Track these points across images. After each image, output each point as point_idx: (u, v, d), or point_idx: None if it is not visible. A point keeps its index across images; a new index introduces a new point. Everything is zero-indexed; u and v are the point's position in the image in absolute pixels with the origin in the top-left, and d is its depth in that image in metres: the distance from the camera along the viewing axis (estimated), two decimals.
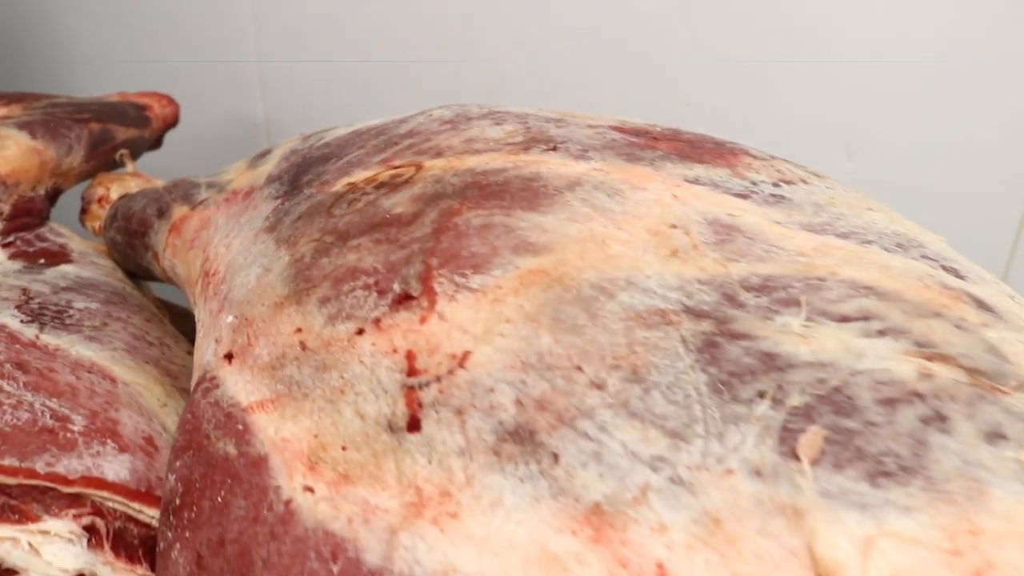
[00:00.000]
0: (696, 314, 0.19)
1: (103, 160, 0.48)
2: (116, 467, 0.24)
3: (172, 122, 0.54)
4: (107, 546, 0.23)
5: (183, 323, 0.40)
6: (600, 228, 0.22)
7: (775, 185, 0.26)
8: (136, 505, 0.24)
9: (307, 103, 0.72)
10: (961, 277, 0.22)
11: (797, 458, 0.17)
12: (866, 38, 0.49)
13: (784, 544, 0.16)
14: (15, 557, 0.21)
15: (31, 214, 0.41)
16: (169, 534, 0.20)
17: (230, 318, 0.25)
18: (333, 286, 0.23)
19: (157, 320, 0.36)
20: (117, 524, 0.23)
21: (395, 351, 0.21)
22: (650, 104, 0.56)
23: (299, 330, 0.23)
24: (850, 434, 0.17)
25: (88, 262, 0.39)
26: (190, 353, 0.36)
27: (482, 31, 0.60)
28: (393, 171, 0.28)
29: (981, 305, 0.20)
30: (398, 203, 0.25)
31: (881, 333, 0.19)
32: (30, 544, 0.22)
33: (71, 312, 0.32)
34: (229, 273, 0.28)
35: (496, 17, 0.59)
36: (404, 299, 0.22)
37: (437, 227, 0.23)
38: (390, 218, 0.25)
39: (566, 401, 0.18)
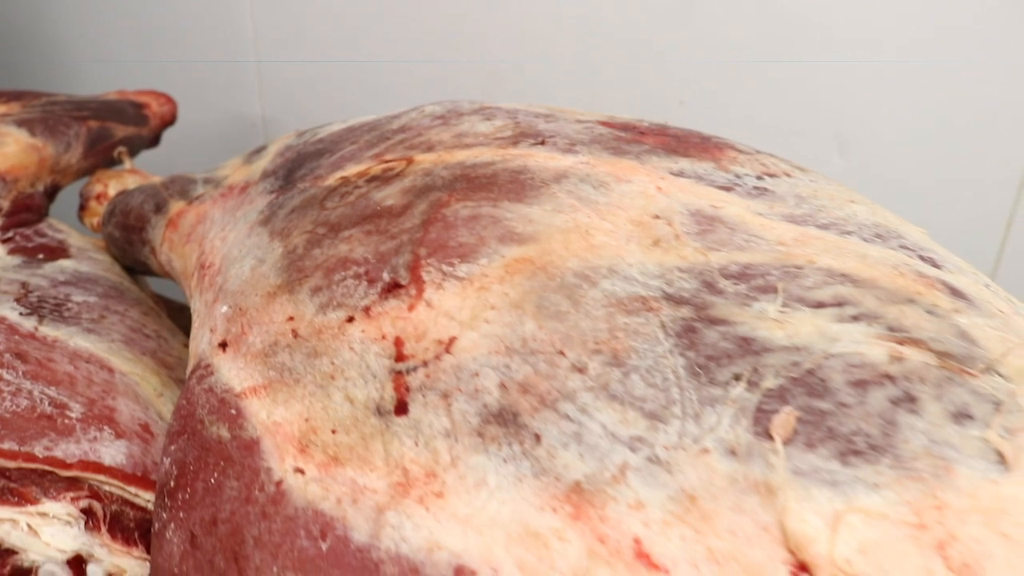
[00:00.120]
0: (676, 301, 0.20)
1: (101, 157, 0.48)
2: (113, 452, 0.24)
3: (170, 120, 0.54)
4: (104, 528, 0.23)
5: (180, 318, 0.41)
6: (584, 219, 0.23)
7: (759, 178, 0.27)
8: (132, 489, 0.24)
9: (304, 102, 0.72)
10: (937, 266, 0.23)
11: (770, 438, 0.17)
12: (857, 37, 0.49)
13: (757, 520, 0.16)
14: (14, 538, 0.22)
15: (30, 210, 0.42)
16: (164, 515, 0.21)
17: (225, 308, 0.26)
18: (325, 276, 0.24)
19: (154, 314, 0.36)
20: (114, 507, 0.24)
21: (384, 338, 0.21)
22: (644, 102, 0.57)
23: (291, 318, 0.23)
24: (822, 415, 0.17)
25: (86, 257, 0.39)
26: (186, 346, 0.36)
27: (478, 31, 0.61)
28: (385, 165, 0.28)
29: (955, 292, 0.21)
30: (389, 195, 0.26)
31: (855, 318, 0.19)
32: (29, 525, 0.22)
33: (69, 305, 0.33)
34: (224, 265, 0.29)
35: (492, 18, 0.60)
36: (393, 288, 0.22)
37: (426, 218, 0.24)
38: (381, 210, 0.25)
39: (548, 384, 0.19)
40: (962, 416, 0.17)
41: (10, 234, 0.39)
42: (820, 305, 0.20)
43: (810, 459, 0.17)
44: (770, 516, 0.16)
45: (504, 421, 0.19)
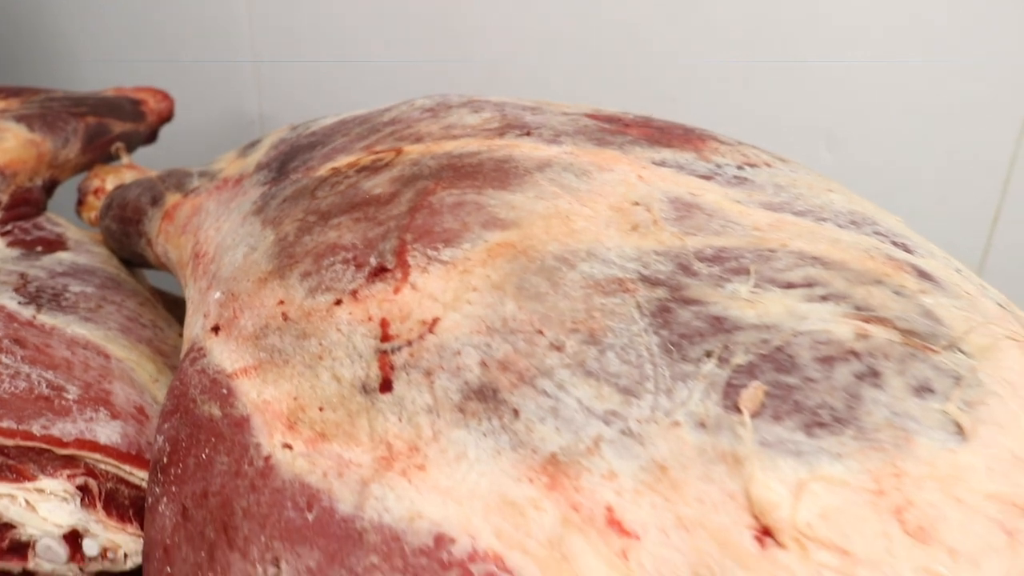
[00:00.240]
0: (652, 282, 0.21)
1: (99, 153, 0.49)
2: (108, 431, 0.25)
3: (167, 117, 0.55)
4: (99, 505, 0.24)
5: (176, 310, 0.41)
6: (565, 205, 0.23)
7: (739, 168, 0.27)
8: (127, 467, 0.25)
9: (301, 101, 0.73)
10: (909, 251, 0.24)
11: (739, 411, 0.18)
12: (846, 36, 0.50)
13: (724, 488, 0.17)
14: (12, 512, 0.23)
15: (29, 204, 0.43)
16: (157, 489, 0.21)
17: (218, 294, 0.27)
18: (314, 261, 0.24)
19: (151, 304, 0.37)
20: (109, 485, 0.24)
21: (370, 319, 0.22)
22: (636, 99, 0.57)
23: (281, 302, 0.24)
24: (789, 389, 0.18)
25: (84, 250, 0.40)
26: (181, 336, 0.37)
27: (473, 31, 0.61)
28: (374, 156, 0.29)
29: (922, 275, 0.22)
30: (377, 184, 0.27)
31: (824, 298, 0.20)
32: (27, 501, 0.23)
33: (67, 295, 0.33)
34: (218, 253, 0.29)
35: (487, 17, 0.61)
36: (380, 271, 0.23)
37: (413, 205, 0.25)
38: (369, 198, 0.26)
39: (527, 362, 0.19)
40: (923, 390, 0.18)
41: (9, 227, 0.40)
42: (790, 286, 0.20)
43: (776, 431, 0.17)
44: (736, 484, 0.17)
45: (484, 397, 0.19)
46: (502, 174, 0.25)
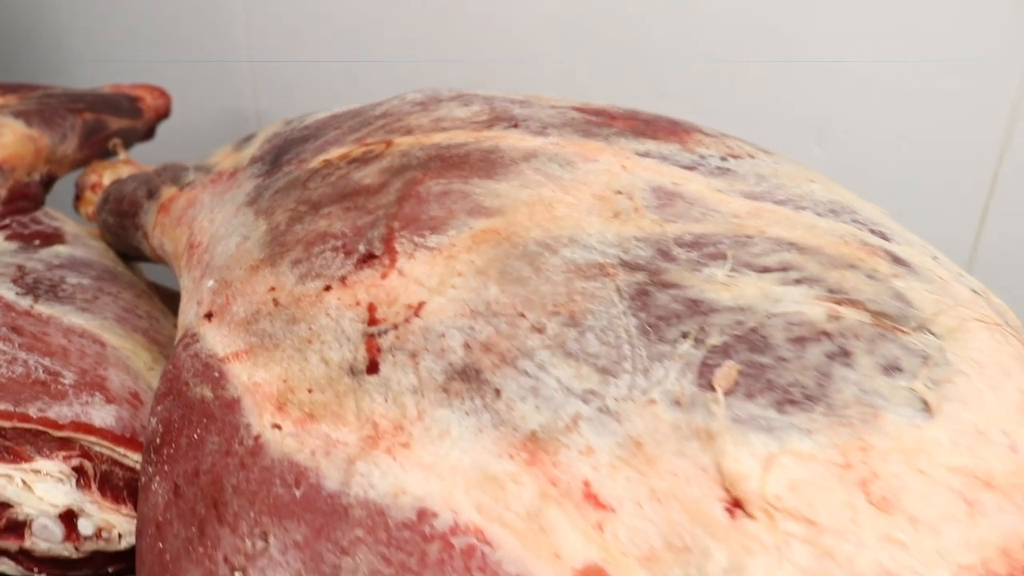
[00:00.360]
0: (631, 267, 0.21)
1: (96, 148, 0.49)
2: (103, 415, 0.25)
3: (164, 113, 0.55)
4: (94, 486, 0.24)
5: (172, 304, 0.42)
6: (549, 193, 0.24)
7: (723, 159, 0.28)
8: (121, 450, 0.25)
9: (297, 99, 0.73)
10: (886, 239, 0.24)
11: (713, 389, 0.18)
12: (837, 34, 0.51)
13: (696, 462, 0.17)
14: (9, 492, 0.23)
15: (27, 198, 0.43)
16: (150, 469, 0.22)
17: (211, 282, 0.27)
18: (305, 249, 0.25)
19: (147, 296, 0.38)
20: (104, 467, 0.25)
21: (358, 304, 0.22)
22: (626, 95, 0.58)
23: (272, 289, 0.24)
24: (762, 368, 0.19)
25: (81, 243, 0.40)
26: (176, 326, 0.37)
27: (469, 30, 0.62)
28: (365, 148, 0.30)
29: (896, 260, 0.22)
30: (367, 175, 0.27)
31: (798, 282, 0.21)
32: (23, 481, 0.23)
33: (64, 286, 0.34)
34: (212, 243, 0.30)
35: (482, 16, 0.61)
36: (368, 258, 0.23)
37: (401, 195, 0.25)
38: (359, 188, 0.27)
39: (509, 343, 0.20)
40: (892, 368, 0.18)
41: (7, 221, 0.41)
42: (766, 270, 0.21)
43: (749, 408, 0.18)
44: (709, 459, 0.17)
45: (467, 377, 0.20)
46: (488, 164, 0.26)
